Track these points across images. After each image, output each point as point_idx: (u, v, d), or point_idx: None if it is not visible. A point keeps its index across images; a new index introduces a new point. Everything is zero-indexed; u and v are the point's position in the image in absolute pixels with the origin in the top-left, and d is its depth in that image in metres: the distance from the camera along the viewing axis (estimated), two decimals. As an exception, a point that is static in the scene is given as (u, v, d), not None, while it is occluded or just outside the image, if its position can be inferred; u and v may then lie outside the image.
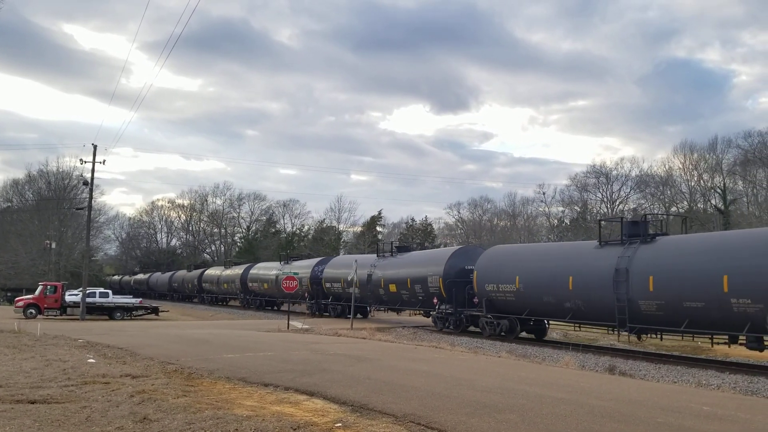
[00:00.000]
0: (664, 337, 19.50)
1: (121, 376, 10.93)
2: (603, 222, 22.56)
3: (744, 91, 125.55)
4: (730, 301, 16.46)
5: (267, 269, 48.90)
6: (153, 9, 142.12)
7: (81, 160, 41.20)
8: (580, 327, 23.21)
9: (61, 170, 74.24)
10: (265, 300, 49.59)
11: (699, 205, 60.80)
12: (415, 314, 34.85)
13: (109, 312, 38.65)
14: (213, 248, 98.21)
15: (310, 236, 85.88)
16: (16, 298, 40.69)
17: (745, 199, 58.85)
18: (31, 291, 43.13)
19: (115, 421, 7.44)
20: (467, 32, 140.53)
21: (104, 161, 40.23)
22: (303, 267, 41.88)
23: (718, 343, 19.05)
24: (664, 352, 21.39)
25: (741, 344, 17.49)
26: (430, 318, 29.58)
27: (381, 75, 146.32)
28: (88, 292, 38.95)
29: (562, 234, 65.98)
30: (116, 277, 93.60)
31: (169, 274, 74.52)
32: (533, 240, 66.89)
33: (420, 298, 29.98)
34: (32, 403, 8.49)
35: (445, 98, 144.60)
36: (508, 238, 68.85)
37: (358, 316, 36.39)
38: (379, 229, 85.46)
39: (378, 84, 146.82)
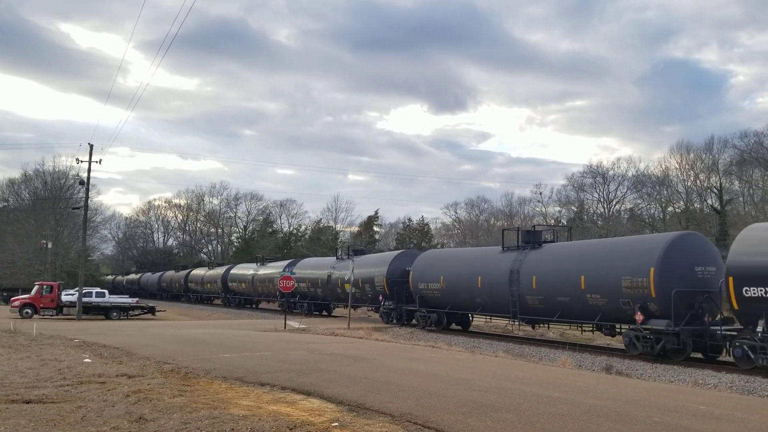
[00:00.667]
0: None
1: (117, 375, 10.90)
2: (505, 230, 29.03)
3: (741, 91, 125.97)
4: (586, 296, 20.56)
5: (245, 270, 52.19)
6: (150, 8, 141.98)
7: (77, 159, 41.09)
8: (491, 319, 28.42)
9: (57, 170, 74.04)
10: (243, 298, 52.96)
11: (696, 205, 60.93)
12: (369, 310, 37.78)
13: (105, 312, 38.57)
14: (210, 248, 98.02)
15: (307, 236, 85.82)
16: (12, 298, 40.59)
17: (741, 199, 58.99)
18: (27, 291, 42.99)
19: (111, 420, 7.41)
20: (466, 32, 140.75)
21: (100, 161, 40.03)
22: (276, 267, 45.09)
23: (585, 331, 23.43)
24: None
25: (598, 332, 22.30)
26: (378, 313, 33.42)
27: (379, 75, 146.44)
28: (84, 291, 38.85)
29: (560, 234, 65.94)
30: (109, 277, 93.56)
31: (158, 274, 76.60)
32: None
33: (369, 295, 33.52)
34: (27, 402, 8.46)
35: (443, 98, 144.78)
36: (506, 238, 68.69)
37: (324, 312, 41.17)
38: (376, 229, 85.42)
39: (376, 84, 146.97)
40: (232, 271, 54.50)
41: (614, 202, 67.99)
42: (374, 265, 34.00)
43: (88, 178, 39.74)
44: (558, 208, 73.39)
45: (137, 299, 47.77)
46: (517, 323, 25.08)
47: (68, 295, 40.53)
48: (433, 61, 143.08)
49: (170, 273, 72.66)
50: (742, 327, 16.65)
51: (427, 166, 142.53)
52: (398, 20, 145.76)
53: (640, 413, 8.22)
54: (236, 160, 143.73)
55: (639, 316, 18.67)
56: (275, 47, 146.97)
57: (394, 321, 30.93)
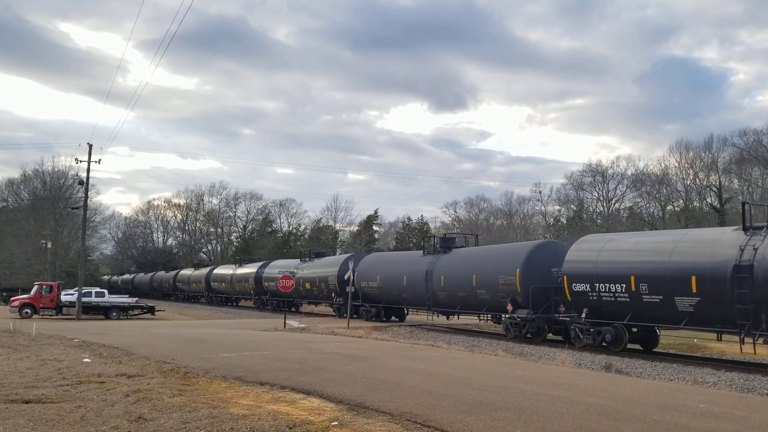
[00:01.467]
0: (662, 334, 22.56)
1: (117, 375, 10.89)
2: (437, 237, 33.82)
3: (741, 89, 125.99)
4: (476, 292, 25.74)
5: (225, 270, 57.45)
6: (150, 7, 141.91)
7: (76, 159, 41.07)
8: (416, 311, 33.32)
9: (56, 170, 74.03)
10: (223, 297, 57.66)
11: (695, 204, 60.97)
12: (325, 305, 41.62)
13: (105, 311, 38.57)
14: (209, 248, 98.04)
15: (306, 236, 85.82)
16: (12, 298, 40.58)
17: (740, 198, 58.95)
18: (27, 291, 42.99)
19: (110, 420, 7.40)
20: (466, 30, 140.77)
21: (99, 160, 39.97)
22: (251, 267, 50.89)
23: (484, 319, 28.28)
24: (660, 351, 21.44)
25: (487, 320, 27.95)
26: (332, 308, 38.38)
27: (378, 73, 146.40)
28: (84, 291, 38.85)
29: (559, 233, 66.07)
30: (105, 277, 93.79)
31: (150, 274, 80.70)
32: (530, 238, 66.94)
33: (325, 293, 38.53)
34: (27, 402, 8.46)
35: (443, 97, 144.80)
36: (504, 237, 68.97)
37: (292, 309, 43.95)
38: (375, 228, 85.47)
39: (375, 82, 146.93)
40: (214, 272, 59.58)
41: (614, 201, 68.08)
42: (328, 266, 38.78)
43: (88, 178, 39.75)
44: (557, 207, 73.49)
45: (137, 299, 47.78)
46: (431, 314, 30.16)
47: (68, 295, 40.53)
48: (433, 59, 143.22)
49: (161, 273, 76.92)
50: (575, 314, 21.65)
51: (426, 165, 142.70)
52: (398, 18, 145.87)
53: (639, 411, 8.22)
54: (236, 159, 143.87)
55: (509, 307, 23.91)
56: (275, 46, 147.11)
57: (345, 315, 33.33)
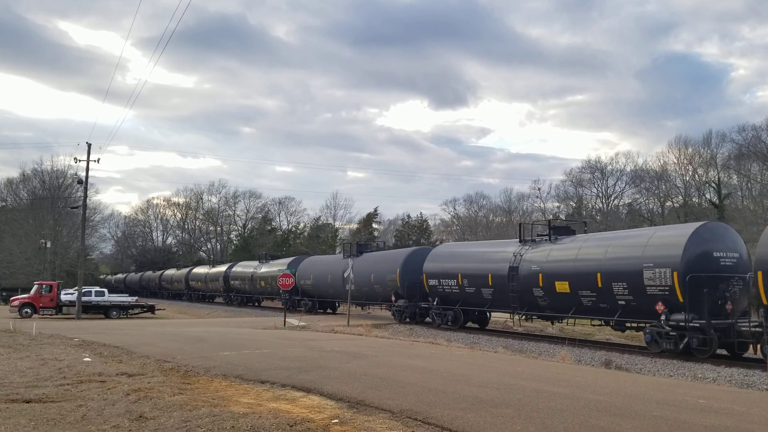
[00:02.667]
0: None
1: (117, 374, 10.91)
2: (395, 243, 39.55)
3: (742, 85, 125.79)
4: (374, 287, 33.03)
5: (202, 270, 63.79)
6: (149, 5, 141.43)
7: (75, 158, 41.02)
8: (339, 304, 39.47)
9: (55, 169, 73.96)
10: (200, 294, 63.60)
11: (694, 200, 60.97)
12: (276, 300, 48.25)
13: (104, 311, 38.57)
14: (209, 246, 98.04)
15: (305, 234, 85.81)
16: (12, 298, 40.58)
17: (739, 193, 59.02)
18: (27, 290, 42.99)
19: (111, 419, 7.41)
20: (466, 27, 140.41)
21: (98, 160, 39.89)
22: (222, 267, 58.22)
23: (382, 309, 34.88)
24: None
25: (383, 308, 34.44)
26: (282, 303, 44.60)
27: (378, 70, 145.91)
28: (83, 291, 38.86)
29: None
30: (100, 277, 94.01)
31: (140, 274, 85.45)
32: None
33: (268, 290, 47.03)
34: (28, 402, 8.46)
35: (443, 94, 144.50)
36: (503, 234, 68.90)
37: (255, 304, 51.28)
38: (375, 226, 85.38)
39: (375, 80, 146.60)
40: (192, 271, 66.02)
41: (613, 198, 68.08)
42: (280, 266, 44.69)
43: (87, 177, 39.73)
44: (557, 204, 73.46)
45: (136, 298, 47.77)
46: (348, 306, 34.53)
47: (67, 295, 40.53)
48: (433, 56, 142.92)
49: (149, 273, 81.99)
50: (431, 302, 28.82)
51: (426, 163, 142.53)
52: (398, 15, 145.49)
53: (639, 407, 8.24)
54: (235, 157, 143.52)
55: (393, 298, 31.37)
56: (274, 44, 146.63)
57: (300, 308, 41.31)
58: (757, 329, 16.65)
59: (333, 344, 16.77)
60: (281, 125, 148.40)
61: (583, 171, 69.54)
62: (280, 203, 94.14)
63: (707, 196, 60.36)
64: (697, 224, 19.66)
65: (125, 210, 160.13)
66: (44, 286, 38.79)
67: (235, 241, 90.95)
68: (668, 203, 63.32)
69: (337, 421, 7.30)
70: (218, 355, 14.08)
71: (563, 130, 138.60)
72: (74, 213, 61.41)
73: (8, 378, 10.50)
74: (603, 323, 22.11)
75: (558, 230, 25.76)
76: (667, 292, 18.35)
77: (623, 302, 19.63)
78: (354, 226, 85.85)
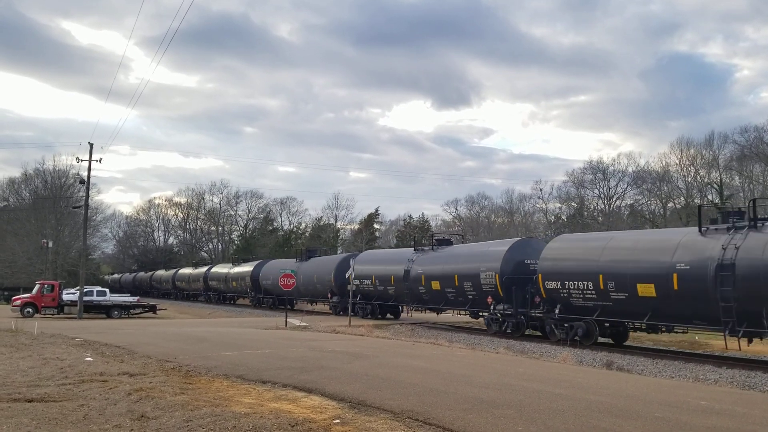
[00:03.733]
0: (667, 332, 21.82)
1: (119, 374, 10.92)
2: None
3: (746, 85, 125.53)
4: (317, 285, 39.76)
5: (186, 271, 69.98)
6: (152, 4, 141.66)
7: (77, 158, 41.14)
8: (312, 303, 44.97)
9: (57, 169, 74.02)
10: (186, 293, 68.99)
11: (696, 201, 60.89)
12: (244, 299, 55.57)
13: (106, 310, 38.60)
14: (210, 246, 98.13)
15: (307, 234, 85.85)
16: (14, 297, 40.63)
17: (741, 195, 58.94)
18: (28, 290, 43.06)
19: (113, 419, 7.42)
20: (470, 26, 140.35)
21: (100, 159, 40.00)
22: (201, 269, 65.32)
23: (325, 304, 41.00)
24: (661, 348, 21.45)
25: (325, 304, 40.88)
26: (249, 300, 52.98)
27: (381, 70, 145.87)
28: (85, 290, 38.89)
29: (559, 230, 66.09)
30: (102, 277, 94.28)
31: (133, 274, 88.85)
32: (531, 236, 66.91)
33: (240, 289, 54.31)
34: (29, 401, 8.48)
35: (447, 94, 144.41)
36: (505, 234, 68.94)
37: (227, 302, 58.03)
38: (376, 226, 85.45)
39: (378, 79, 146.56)
40: (179, 272, 71.83)
41: (614, 199, 68.04)
42: (247, 266, 52.78)
43: (89, 177, 39.77)
44: (558, 205, 73.44)
45: (138, 297, 47.82)
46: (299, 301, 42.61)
47: (69, 294, 40.57)
48: (436, 56, 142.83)
49: (141, 274, 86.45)
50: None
51: (429, 163, 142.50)
52: (402, 14, 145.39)
53: (641, 408, 8.24)
54: (237, 157, 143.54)
55: (329, 295, 38.22)
56: (277, 43, 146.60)
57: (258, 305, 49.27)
58: (540, 314, 22.92)
59: (334, 344, 16.77)
60: (284, 125, 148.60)
61: (584, 172, 69.56)
62: (281, 203, 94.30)
63: (709, 197, 60.30)
64: (513, 240, 27.26)
65: (127, 210, 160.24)
66: (46, 285, 38.85)
67: (236, 242, 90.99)
68: (670, 204, 63.31)
69: (338, 421, 7.30)
70: (220, 355, 14.09)
71: (566, 130, 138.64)
72: (76, 213, 61.47)
73: (10, 377, 10.52)
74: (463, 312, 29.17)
75: (440, 241, 32.24)
76: (493, 289, 24.87)
77: (471, 296, 26.54)
78: (355, 226, 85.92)
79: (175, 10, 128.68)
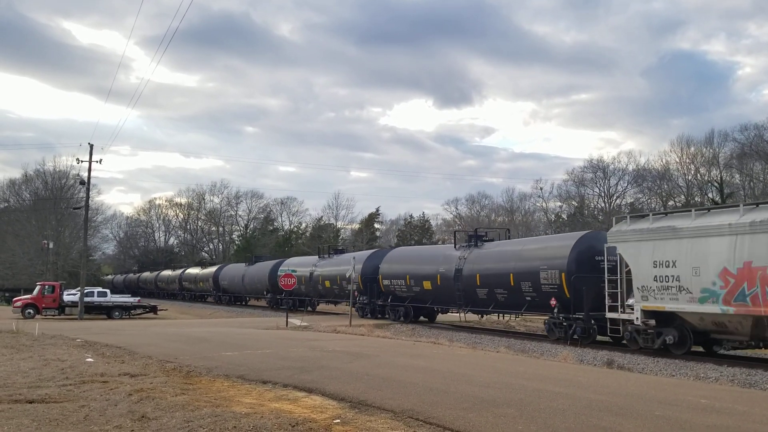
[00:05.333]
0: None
1: (120, 375, 10.93)
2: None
3: (748, 83, 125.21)
4: (246, 287, 51.26)
5: (167, 273, 74.43)
6: (152, 4, 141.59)
7: (77, 159, 41.17)
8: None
9: (58, 170, 74.02)
10: (167, 293, 72.26)
11: (696, 199, 60.91)
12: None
13: (107, 311, 38.63)
14: (211, 247, 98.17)
15: (307, 234, 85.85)
16: (15, 299, 40.64)
17: (742, 193, 58.95)
18: (29, 291, 43.08)
19: (114, 419, 7.43)
20: (473, 24, 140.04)
21: (101, 160, 40.17)
22: (177, 271, 71.05)
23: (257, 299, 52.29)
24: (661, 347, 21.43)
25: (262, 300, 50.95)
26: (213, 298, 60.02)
27: (383, 69, 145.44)
28: (86, 291, 38.91)
29: (560, 229, 66.07)
30: (103, 277, 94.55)
31: (124, 275, 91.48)
32: (530, 235, 66.92)
33: (202, 287, 62.05)
34: (30, 402, 8.49)
35: (449, 92, 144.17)
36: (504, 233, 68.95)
37: (200, 301, 63.55)
38: (377, 226, 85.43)
39: (380, 78, 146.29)
40: (161, 274, 75.91)
41: (615, 197, 68.02)
42: (208, 268, 61.94)
43: (89, 177, 39.80)
44: (559, 204, 73.44)
45: (139, 298, 47.84)
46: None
47: (70, 295, 40.59)
48: (438, 54, 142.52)
49: (131, 275, 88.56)
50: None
51: (430, 162, 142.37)
52: (404, 13, 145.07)
53: (641, 407, 8.24)
54: (238, 157, 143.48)
55: (265, 292, 46.83)
56: (278, 42, 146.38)
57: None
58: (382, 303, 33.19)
59: (335, 344, 16.78)
60: (284, 124, 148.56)
61: (585, 170, 69.55)
62: (282, 203, 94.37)
63: (710, 195, 60.32)
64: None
65: (128, 210, 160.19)
66: (47, 286, 38.86)
67: (237, 242, 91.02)
68: (671, 202, 63.28)
69: (339, 421, 7.31)
70: (220, 355, 14.10)
71: (567, 129, 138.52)
72: (77, 214, 61.46)
73: (11, 378, 10.53)
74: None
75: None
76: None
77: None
78: (356, 226, 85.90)
79: (176, 9, 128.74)
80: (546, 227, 72.15)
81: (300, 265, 42.19)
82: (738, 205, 17.38)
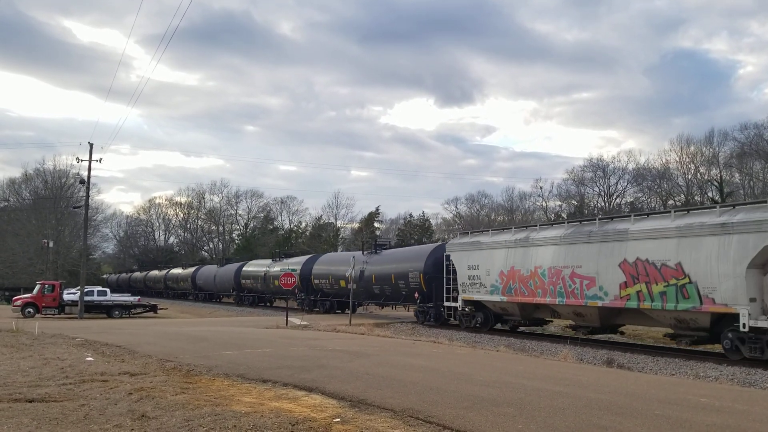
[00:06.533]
0: (660, 331, 22.05)
1: (120, 374, 10.93)
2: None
3: (750, 81, 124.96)
4: (217, 286, 56.85)
5: (155, 273, 77.66)
6: (153, 2, 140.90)
7: (77, 158, 41.14)
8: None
9: (58, 169, 74.13)
10: (154, 291, 74.83)
11: (696, 198, 60.94)
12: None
13: (107, 310, 38.61)
14: (211, 246, 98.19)
15: (307, 233, 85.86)
16: (14, 297, 40.64)
17: (741, 192, 58.95)
18: (29, 290, 43.08)
19: (114, 418, 7.43)
20: (476, 23, 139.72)
21: (101, 160, 40.09)
22: (163, 271, 74.33)
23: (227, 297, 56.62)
24: (662, 345, 21.45)
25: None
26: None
27: (384, 68, 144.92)
28: (86, 290, 38.91)
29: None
30: (103, 276, 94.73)
31: (117, 275, 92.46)
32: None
33: (189, 287, 64.85)
34: (30, 401, 8.49)
35: (450, 91, 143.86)
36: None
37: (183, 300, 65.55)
38: (376, 225, 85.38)
39: (381, 77, 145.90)
40: (149, 274, 78.94)
41: (615, 196, 68.02)
42: (188, 269, 66.01)
43: (89, 177, 39.75)
44: (558, 203, 73.42)
45: (139, 297, 47.86)
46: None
47: (70, 294, 40.59)
48: (440, 52, 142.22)
49: (123, 275, 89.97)
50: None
51: (431, 162, 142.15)
52: (407, 11, 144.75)
53: (641, 406, 8.25)
54: (238, 156, 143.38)
55: (232, 291, 52.99)
56: (279, 40, 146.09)
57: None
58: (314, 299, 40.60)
59: (335, 343, 16.78)
60: (285, 123, 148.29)
61: (584, 169, 69.55)
62: (282, 203, 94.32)
63: (709, 194, 60.32)
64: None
65: (128, 209, 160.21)
66: (47, 285, 38.85)
67: (237, 241, 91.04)
68: (670, 202, 63.29)
69: (339, 420, 7.31)
70: (220, 354, 14.10)
71: (568, 128, 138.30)
72: (76, 213, 61.53)
73: (11, 377, 10.53)
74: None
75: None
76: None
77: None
78: (356, 225, 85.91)
79: (176, 7, 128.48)
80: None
81: (258, 266, 49.24)
82: (511, 228, 25.72)
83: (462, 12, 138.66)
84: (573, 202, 70.76)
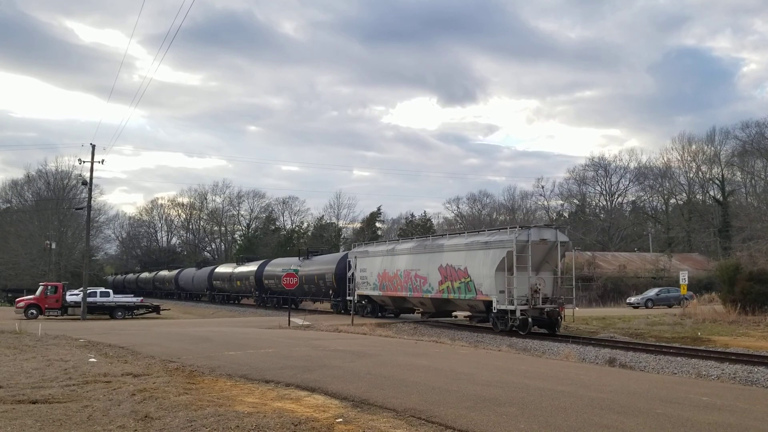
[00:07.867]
0: (661, 331, 24.60)
1: (123, 375, 10.97)
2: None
3: (753, 79, 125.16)
4: (195, 286, 62.82)
5: (145, 275, 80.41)
6: (155, 2, 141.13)
7: (80, 160, 41.18)
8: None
9: (60, 170, 74.23)
10: (145, 291, 74.28)
11: (698, 197, 60.90)
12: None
13: (110, 311, 38.66)
14: (213, 246, 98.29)
15: (309, 233, 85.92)
16: (17, 299, 40.71)
17: (743, 190, 58.93)
18: (32, 291, 43.13)
19: (117, 419, 7.46)
20: (479, 22, 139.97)
21: (103, 161, 40.34)
22: (152, 273, 77.81)
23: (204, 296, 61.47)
24: (663, 344, 21.47)
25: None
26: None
27: (387, 67, 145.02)
28: (88, 291, 38.97)
29: (560, 228, 65.97)
30: (105, 277, 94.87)
31: (113, 277, 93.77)
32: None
33: (173, 288, 69.80)
34: (34, 403, 8.52)
35: (453, 90, 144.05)
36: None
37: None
38: (378, 225, 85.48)
39: (384, 76, 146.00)
40: (140, 276, 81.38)
41: (616, 195, 68.02)
42: (172, 271, 70.26)
43: (91, 178, 39.82)
44: (560, 202, 73.41)
45: (141, 298, 47.92)
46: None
47: (73, 296, 40.64)
48: (443, 51, 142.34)
49: (119, 277, 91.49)
50: None
51: (433, 161, 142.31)
52: (410, 10, 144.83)
53: (643, 405, 8.26)
54: (241, 157, 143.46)
55: (206, 290, 60.07)
56: (282, 40, 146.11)
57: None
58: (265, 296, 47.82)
59: (337, 343, 16.81)
60: (287, 124, 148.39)
61: (586, 168, 69.54)
62: (284, 203, 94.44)
63: (711, 193, 60.29)
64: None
65: (130, 210, 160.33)
66: (49, 287, 38.90)
67: (239, 242, 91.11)
68: (672, 200, 63.26)
69: (341, 420, 7.33)
70: (223, 354, 14.13)
71: (571, 127, 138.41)
72: (79, 214, 61.53)
73: (14, 379, 10.57)
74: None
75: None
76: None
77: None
78: (357, 225, 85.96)
79: (179, 7, 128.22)
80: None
81: (225, 268, 57.30)
82: (385, 242, 35.35)
83: (465, 11, 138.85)
84: (575, 201, 70.80)
